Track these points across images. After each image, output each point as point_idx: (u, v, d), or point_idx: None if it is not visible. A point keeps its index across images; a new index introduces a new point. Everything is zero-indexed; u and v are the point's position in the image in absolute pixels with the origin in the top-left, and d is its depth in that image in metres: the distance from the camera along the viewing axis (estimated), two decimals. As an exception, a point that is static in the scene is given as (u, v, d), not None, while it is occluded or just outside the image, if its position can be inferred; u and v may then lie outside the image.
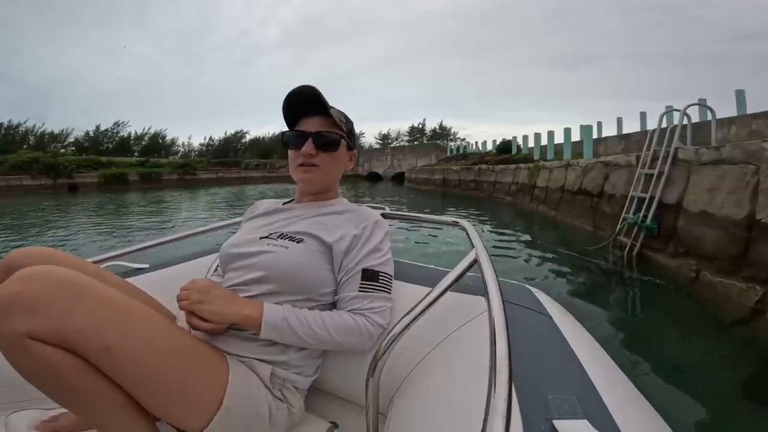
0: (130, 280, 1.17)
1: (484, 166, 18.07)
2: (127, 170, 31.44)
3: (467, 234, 1.14)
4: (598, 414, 0.62)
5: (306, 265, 0.89)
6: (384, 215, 1.15)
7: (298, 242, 0.91)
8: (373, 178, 40.80)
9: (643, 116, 14.95)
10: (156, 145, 60.55)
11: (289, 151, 0.99)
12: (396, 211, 1.38)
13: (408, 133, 63.15)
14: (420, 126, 64.19)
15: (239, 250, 0.94)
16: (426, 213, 1.42)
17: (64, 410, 0.85)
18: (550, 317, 0.95)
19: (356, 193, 23.03)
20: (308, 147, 0.94)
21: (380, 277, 0.91)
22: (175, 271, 1.40)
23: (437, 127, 63.91)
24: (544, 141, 15.81)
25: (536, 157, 15.31)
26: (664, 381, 2.41)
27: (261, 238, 0.94)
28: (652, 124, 9.27)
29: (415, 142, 52.62)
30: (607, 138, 13.79)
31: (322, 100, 0.93)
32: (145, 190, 27.73)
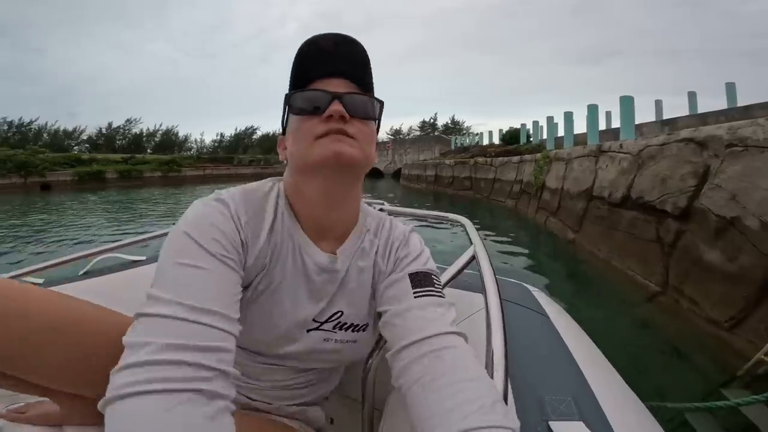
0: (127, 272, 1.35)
1: (480, 160, 13.50)
2: (106, 167, 28.38)
3: (466, 231, 1.06)
4: (593, 415, 0.60)
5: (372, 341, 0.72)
6: (382, 210, 0.95)
7: (364, 329, 0.68)
8: (375, 174, 37.71)
9: (692, 96, 10.41)
10: (169, 142, 58.63)
11: (296, 122, 0.59)
12: (395, 206, 1.24)
13: (419, 128, 58.71)
14: (431, 120, 59.74)
15: (285, 351, 0.66)
16: (425, 209, 1.30)
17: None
18: (547, 316, 0.94)
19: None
20: (337, 106, 0.56)
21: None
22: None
23: (449, 122, 59.31)
24: (561, 131, 11.02)
25: (550, 147, 10.54)
26: None
27: (309, 330, 0.66)
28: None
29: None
30: (643, 125, 9.62)
31: (365, 57, 0.61)
32: (122, 188, 24.87)
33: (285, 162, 0.64)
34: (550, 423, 0.58)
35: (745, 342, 2.47)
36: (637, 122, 9.88)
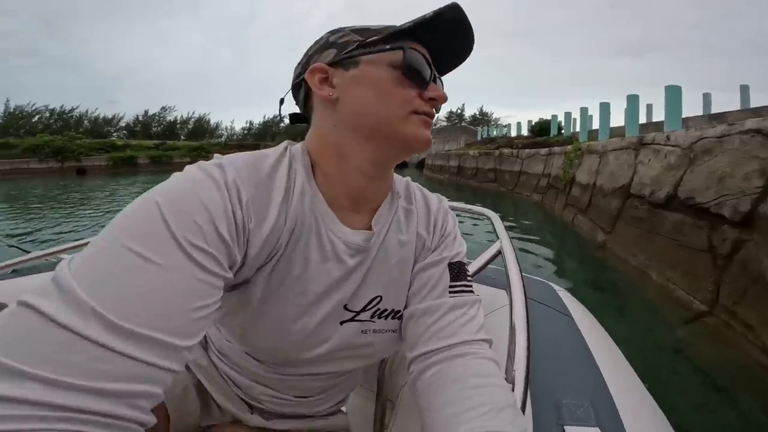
0: None
1: (506, 151, 12.77)
2: (138, 153, 29.11)
3: (492, 224, 1.02)
4: (610, 423, 0.58)
5: None
6: None
7: (402, 315, 0.58)
8: (399, 164, 36.31)
9: (744, 90, 9.37)
10: (201, 129, 60.12)
11: (388, 75, 0.49)
12: None
13: (446, 118, 57.50)
14: (458, 111, 58.42)
15: (314, 353, 0.54)
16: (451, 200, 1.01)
17: None
18: (571, 317, 0.92)
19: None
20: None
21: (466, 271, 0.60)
22: None
23: (477, 113, 57.85)
24: (595, 124, 10.21)
25: (583, 139, 9.75)
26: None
27: (344, 323, 0.55)
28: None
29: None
30: (689, 119, 9.28)
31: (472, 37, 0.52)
32: (152, 173, 25.49)
33: (330, 98, 0.49)
34: (565, 428, 0.57)
35: None
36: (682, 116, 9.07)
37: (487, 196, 11.99)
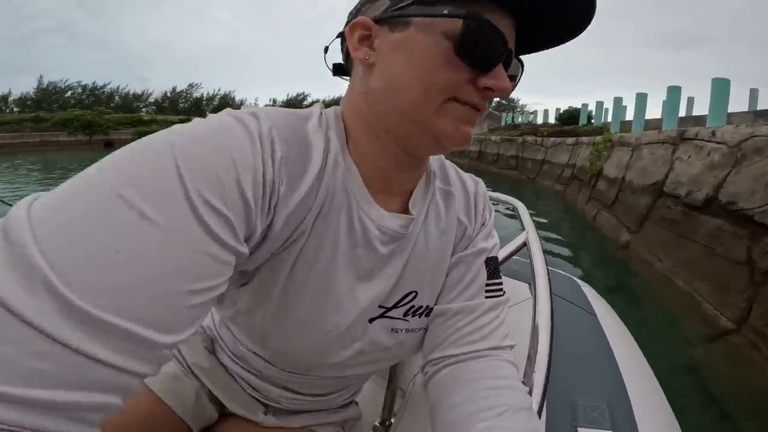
0: None
1: (530, 138, 12.26)
2: (162, 127, 29.37)
3: (518, 214, 0.97)
4: (625, 427, 0.57)
5: None
6: None
7: (430, 313, 0.50)
8: None
9: None
10: (225, 106, 60.54)
11: (440, 47, 0.37)
12: None
13: (470, 102, 55.85)
14: (484, 96, 56.61)
15: (341, 357, 0.47)
16: None
17: None
18: (595, 315, 0.90)
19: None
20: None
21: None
22: None
23: (502, 99, 56.04)
24: (629, 115, 9.55)
25: (614, 130, 9.18)
26: None
27: (373, 320, 0.47)
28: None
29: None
30: (732, 114, 8.17)
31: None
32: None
33: (366, 61, 0.40)
34: (579, 429, 0.56)
35: None
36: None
37: (507, 184, 11.61)
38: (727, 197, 3.15)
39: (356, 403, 0.70)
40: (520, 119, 25.23)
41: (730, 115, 8.53)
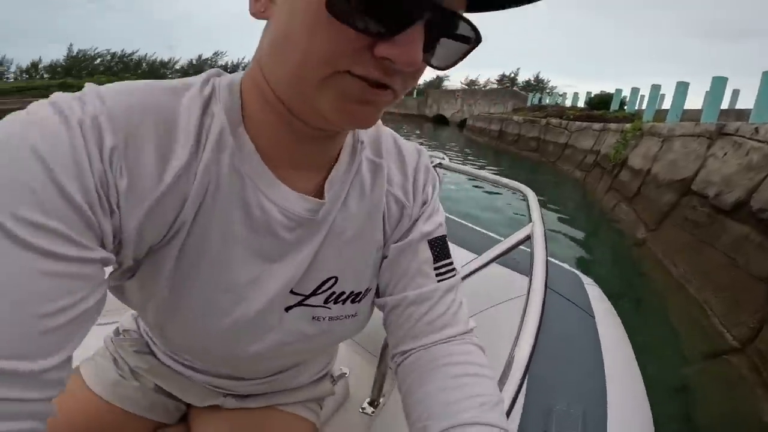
0: None
1: (554, 121, 11.74)
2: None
3: (527, 204, 0.92)
4: None
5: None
6: (441, 165, 1.00)
7: (366, 295, 0.47)
8: (440, 121, 36.35)
9: None
10: None
11: (318, 16, 0.28)
12: (455, 163, 1.17)
13: (497, 81, 53.91)
14: (512, 75, 54.44)
15: (254, 349, 0.44)
16: (487, 171, 1.23)
17: None
18: (593, 317, 0.87)
19: (412, 137, 18.23)
20: (417, 52, 0.29)
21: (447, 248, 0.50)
22: None
23: (532, 79, 53.84)
24: (667, 104, 8.90)
25: (647, 118, 8.63)
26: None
27: (290, 308, 0.43)
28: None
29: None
30: None
31: None
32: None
33: (262, 14, 0.33)
34: None
35: None
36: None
37: (527, 165, 11.30)
38: (761, 203, 2.84)
39: (331, 378, 0.69)
40: (547, 100, 24.21)
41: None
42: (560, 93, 27.03)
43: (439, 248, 0.46)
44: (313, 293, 0.43)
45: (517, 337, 0.53)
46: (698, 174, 4.01)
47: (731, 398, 2.10)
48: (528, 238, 0.77)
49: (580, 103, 18.22)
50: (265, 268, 0.40)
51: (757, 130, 3.31)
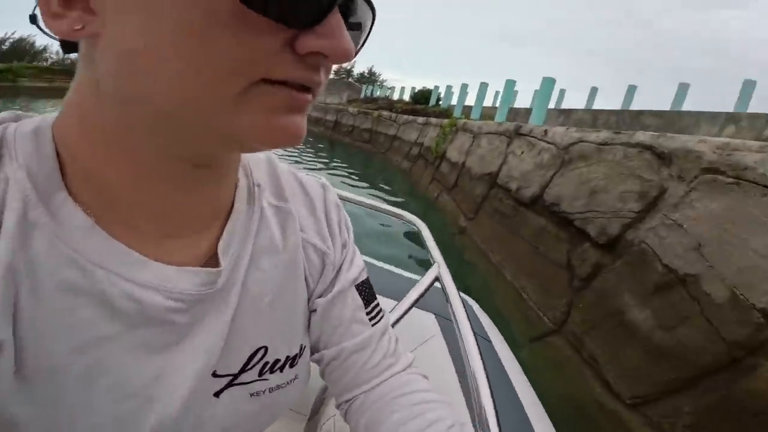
0: None
1: (385, 114, 12.28)
2: None
3: (422, 238, 0.93)
4: None
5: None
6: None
7: (302, 354, 0.42)
8: None
9: (593, 92, 10.65)
10: (19, 52, 47.06)
11: (212, 17, 0.22)
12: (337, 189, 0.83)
13: (334, 72, 54.75)
14: (349, 67, 56.22)
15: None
16: (374, 199, 1.13)
17: None
18: (490, 341, 0.89)
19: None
20: (347, 42, 0.25)
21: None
22: None
23: (366, 72, 56.72)
24: (471, 100, 10.18)
25: (457, 114, 9.71)
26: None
27: (220, 393, 0.36)
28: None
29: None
30: (572, 111, 9.56)
31: None
32: None
33: (79, 33, 0.25)
34: None
35: (643, 425, 1.71)
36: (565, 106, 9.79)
37: (360, 156, 11.66)
38: (552, 198, 3.21)
39: None
40: (378, 93, 25.57)
41: (569, 110, 9.88)
42: (389, 86, 29.01)
43: (367, 291, 0.44)
44: (243, 370, 0.36)
45: (474, 386, 0.53)
46: (501, 169, 4.48)
47: (565, 379, 2.22)
48: (437, 279, 0.77)
49: (406, 97, 19.80)
50: (165, 360, 0.31)
51: (546, 132, 3.80)
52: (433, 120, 9.00)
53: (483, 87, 9.18)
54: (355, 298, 0.42)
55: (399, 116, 11.41)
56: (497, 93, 13.73)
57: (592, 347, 2.20)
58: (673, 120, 6.65)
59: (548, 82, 5.76)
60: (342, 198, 1.14)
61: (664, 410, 1.68)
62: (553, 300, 2.68)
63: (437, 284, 0.74)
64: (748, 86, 7.18)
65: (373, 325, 0.42)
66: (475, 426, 0.49)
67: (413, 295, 0.73)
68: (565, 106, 12.19)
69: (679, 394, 1.67)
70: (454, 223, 5.17)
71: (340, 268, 0.42)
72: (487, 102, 9.77)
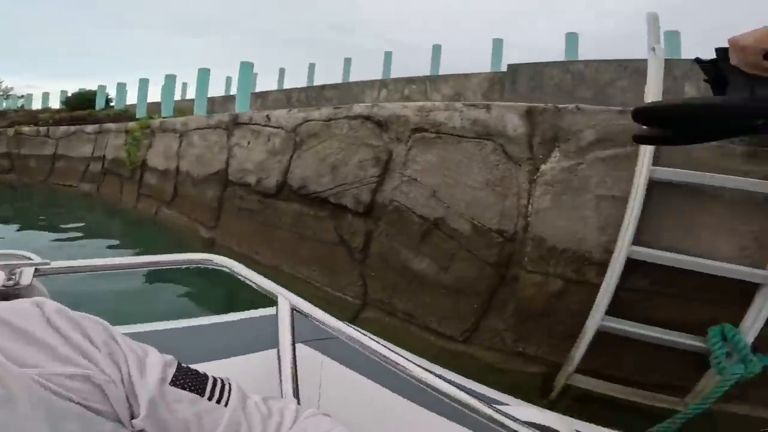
0: None
1: (27, 129, 8.78)
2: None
3: (236, 276, 0.79)
4: None
5: None
6: (40, 273, 0.61)
7: None
8: None
9: (281, 72, 11.38)
10: None
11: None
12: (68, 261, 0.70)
13: None
14: None
15: None
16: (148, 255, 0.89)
17: None
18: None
19: None
20: None
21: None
22: None
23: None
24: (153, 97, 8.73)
25: (141, 114, 8.11)
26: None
27: None
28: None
29: None
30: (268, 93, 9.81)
31: None
32: None
33: None
34: None
35: (484, 350, 2.08)
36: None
37: (6, 192, 8.37)
38: (298, 182, 3.19)
39: None
40: (4, 105, 18.08)
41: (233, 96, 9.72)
42: (20, 95, 20.76)
43: (191, 379, 0.40)
44: None
45: None
46: (230, 165, 4.08)
47: (398, 342, 2.22)
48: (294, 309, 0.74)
49: (55, 105, 14.92)
50: None
51: (268, 117, 3.65)
52: (112, 126, 7.19)
53: (170, 79, 7.98)
54: (180, 395, 0.38)
55: (54, 129, 8.44)
56: (185, 85, 12.38)
57: (402, 306, 2.39)
58: (346, 90, 7.91)
59: (247, 66, 5.57)
60: (102, 268, 0.73)
61: (489, 334, 2.03)
62: (344, 278, 2.73)
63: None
64: (388, 57, 9.36)
65: (225, 405, 0.39)
66: None
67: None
68: (259, 89, 12.37)
69: (488, 317, 2.03)
70: (193, 238, 4.42)
71: (129, 378, 0.36)
72: (177, 97, 8.64)
